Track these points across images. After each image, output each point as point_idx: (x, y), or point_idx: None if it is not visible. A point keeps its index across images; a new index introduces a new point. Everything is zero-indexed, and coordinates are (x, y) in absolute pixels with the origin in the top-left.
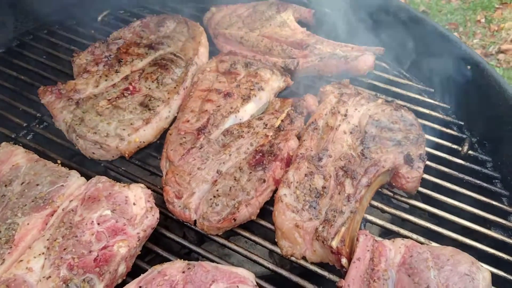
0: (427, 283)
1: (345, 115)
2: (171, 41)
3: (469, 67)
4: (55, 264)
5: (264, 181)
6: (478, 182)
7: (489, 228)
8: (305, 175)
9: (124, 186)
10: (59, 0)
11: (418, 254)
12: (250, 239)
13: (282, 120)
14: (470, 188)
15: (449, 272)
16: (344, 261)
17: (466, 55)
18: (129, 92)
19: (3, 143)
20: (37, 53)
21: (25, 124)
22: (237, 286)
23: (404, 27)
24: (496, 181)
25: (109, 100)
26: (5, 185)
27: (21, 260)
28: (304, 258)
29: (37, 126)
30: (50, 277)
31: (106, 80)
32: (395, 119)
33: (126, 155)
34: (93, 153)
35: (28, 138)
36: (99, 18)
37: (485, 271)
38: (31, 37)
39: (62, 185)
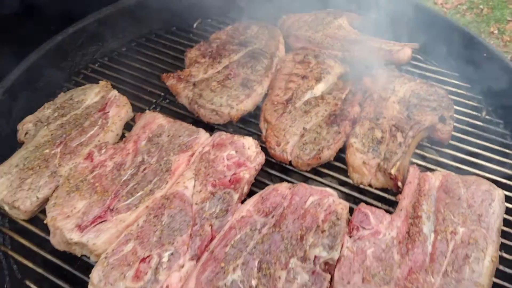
0: (459, 196)
1: (394, 90)
2: (257, 40)
3: (485, 54)
4: (203, 183)
5: (339, 133)
6: (494, 137)
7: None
8: (368, 129)
9: (240, 137)
10: (163, 12)
11: (451, 179)
12: (329, 175)
13: (346, 94)
14: (488, 142)
15: (474, 189)
16: (399, 184)
17: (483, 46)
18: (231, 76)
19: (147, 111)
20: (151, 50)
21: (154, 101)
22: (327, 197)
23: (431, 27)
24: (507, 136)
25: (218, 81)
26: (157, 136)
27: (178, 182)
28: (369, 185)
29: (162, 101)
30: (201, 191)
31: (212, 68)
32: (431, 92)
33: (234, 119)
34: (210, 118)
35: (157, 110)
36: (194, 25)
37: (500, 190)
38: (144, 39)
39: (196, 137)
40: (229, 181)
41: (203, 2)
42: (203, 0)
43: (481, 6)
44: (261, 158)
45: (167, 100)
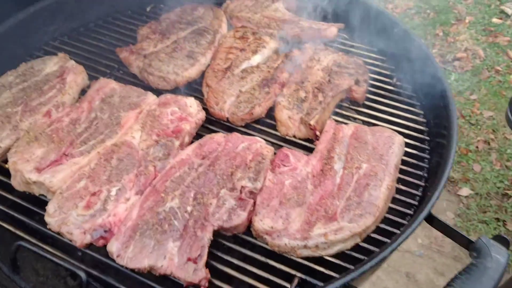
0: (365, 141)
1: (318, 60)
2: (202, 19)
3: (395, 30)
4: (148, 134)
5: (269, 93)
6: (402, 98)
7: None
8: (294, 90)
9: (183, 97)
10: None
11: (361, 129)
12: (261, 129)
13: (278, 64)
14: (397, 102)
15: (379, 136)
16: (318, 133)
17: (396, 24)
18: (178, 49)
19: (101, 78)
20: (107, 30)
21: (108, 71)
22: (255, 143)
23: (356, 10)
24: (413, 97)
25: (166, 54)
26: (109, 97)
27: (126, 133)
28: (294, 136)
29: (116, 72)
30: (146, 140)
31: (161, 43)
32: (350, 62)
33: (180, 85)
34: (158, 84)
35: (111, 79)
36: (148, 9)
37: (400, 136)
38: (101, 21)
39: (144, 98)
40: (172, 131)
41: None
42: None
43: (428, 11)
44: (202, 114)
45: (121, 72)
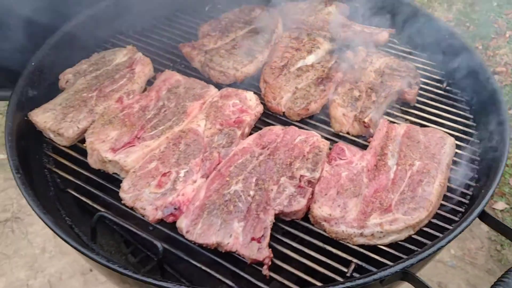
0: (418, 140)
1: (371, 62)
2: (259, 20)
3: (446, 36)
4: (212, 123)
5: (324, 90)
6: (452, 102)
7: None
8: (348, 89)
9: (244, 91)
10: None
11: (413, 129)
12: (315, 125)
13: (332, 64)
14: (446, 106)
15: (431, 136)
16: (371, 130)
17: (447, 32)
18: (237, 47)
19: (166, 70)
20: (170, 27)
21: (171, 64)
22: (312, 137)
23: (407, 17)
24: (462, 102)
25: (226, 50)
26: (175, 88)
27: (192, 121)
28: (347, 133)
29: (178, 65)
30: (210, 128)
31: (221, 40)
32: (401, 65)
33: (239, 80)
34: (219, 78)
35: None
36: (206, 9)
37: (451, 137)
38: (164, 19)
39: (207, 90)
40: (234, 122)
41: None
42: None
43: (467, 24)
44: (260, 108)
45: (183, 65)
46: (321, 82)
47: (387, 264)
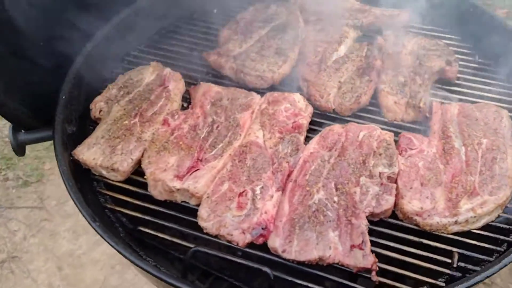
0: (475, 118)
1: (403, 45)
2: (278, 16)
3: (471, 9)
4: (271, 132)
5: (371, 81)
6: (488, 74)
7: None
8: (392, 76)
9: (290, 93)
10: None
11: (466, 107)
12: (366, 117)
13: (365, 52)
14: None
15: (486, 111)
16: (427, 114)
17: (468, 3)
18: (266, 47)
19: (202, 82)
20: (181, 35)
21: (198, 76)
22: (375, 130)
23: None
24: (498, 71)
25: (255, 53)
26: (218, 100)
27: (249, 134)
28: (402, 120)
29: (206, 76)
30: (271, 138)
31: (245, 43)
32: (433, 44)
33: (277, 82)
34: (256, 83)
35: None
36: (215, 11)
37: (505, 110)
38: (173, 26)
39: (252, 98)
40: (292, 127)
41: None
42: None
43: None
44: (311, 108)
45: (210, 75)
46: (363, 73)
47: (487, 248)
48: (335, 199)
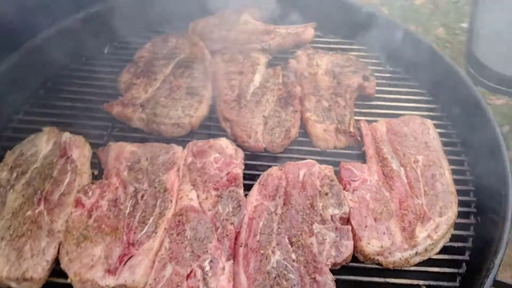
0: (405, 133)
1: (317, 65)
2: (180, 50)
3: (363, 10)
4: (205, 190)
5: (296, 111)
6: (403, 83)
7: None
8: (315, 102)
9: (215, 140)
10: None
11: (393, 122)
12: (297, 150)
13: (282, 78)
14: (396, 87)
15: (412, 125)
16: (359, 138)
17: (367, 12)
18: (175, 88)
19: (111, 143)
20: (72, 87)
21: (104, 133)
22: (313, 166)
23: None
24: (409, 79)
25: (164, 97)
26: (136, 163)
27: (181, 197)
28: (334, 148)
29: (113, 131)
30: (207, 198)
31: (151, 86)
32: (345, 59)
33: (195, 127)
34: (173, 132)
35: (112, 141)
36: (105, 51)
37: (429, 120)
38: (59, 77)
39: (174, 152)
40: (227, 180)
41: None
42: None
43: None
44: (241, 153)
45: (117, 129)
46: (286, 102)
47: (451, 273)
48: (293, 256)
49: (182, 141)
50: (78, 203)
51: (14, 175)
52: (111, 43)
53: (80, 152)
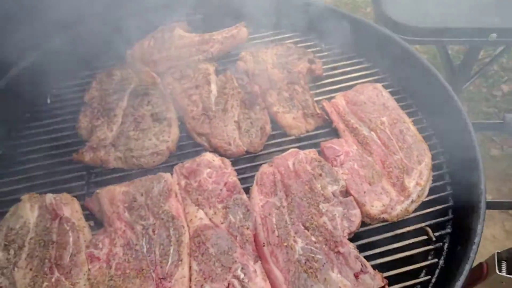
0: (363, 101)
1: (264, 60)
2: (128, 80)
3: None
4: (211, 206)
5: (264, 108)
6: (351, 61)
7: None
8: (277, 95)
9: (200, 157)
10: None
11: (349, 94)
12: (273, 144)
13: (236, 81)
14: (351, 66)
15: (366, 92)
16: (326, 117)
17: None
18: (140, 119)
19: (100, 190)
20: (31, 144)
21: (83, 183)
22: (298, 154)
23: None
24: (354, 57)
25: (133, 129)
26: (133, 202)
27: (191, 220)
28: (307, 131)
29: (92, 178)
30: (215, 213)
31: (113, 123)
32: (285, 49)
33: (174, 150)
34: (154, 161)
35: (94, 188)
36: (49, 101)
37: (378, 83)
38: (13, 132)
39: (165, 180)
40: (227, 190)
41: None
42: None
43: None
44: (227, 161)
45: (93, 174)
46: (250, 103)
47: (441, 210)
48: (313, 239)
49: (163, 168)
50: (92, 258)
51: (12, 252)
52: (50, 92)
53: (71, 208)
